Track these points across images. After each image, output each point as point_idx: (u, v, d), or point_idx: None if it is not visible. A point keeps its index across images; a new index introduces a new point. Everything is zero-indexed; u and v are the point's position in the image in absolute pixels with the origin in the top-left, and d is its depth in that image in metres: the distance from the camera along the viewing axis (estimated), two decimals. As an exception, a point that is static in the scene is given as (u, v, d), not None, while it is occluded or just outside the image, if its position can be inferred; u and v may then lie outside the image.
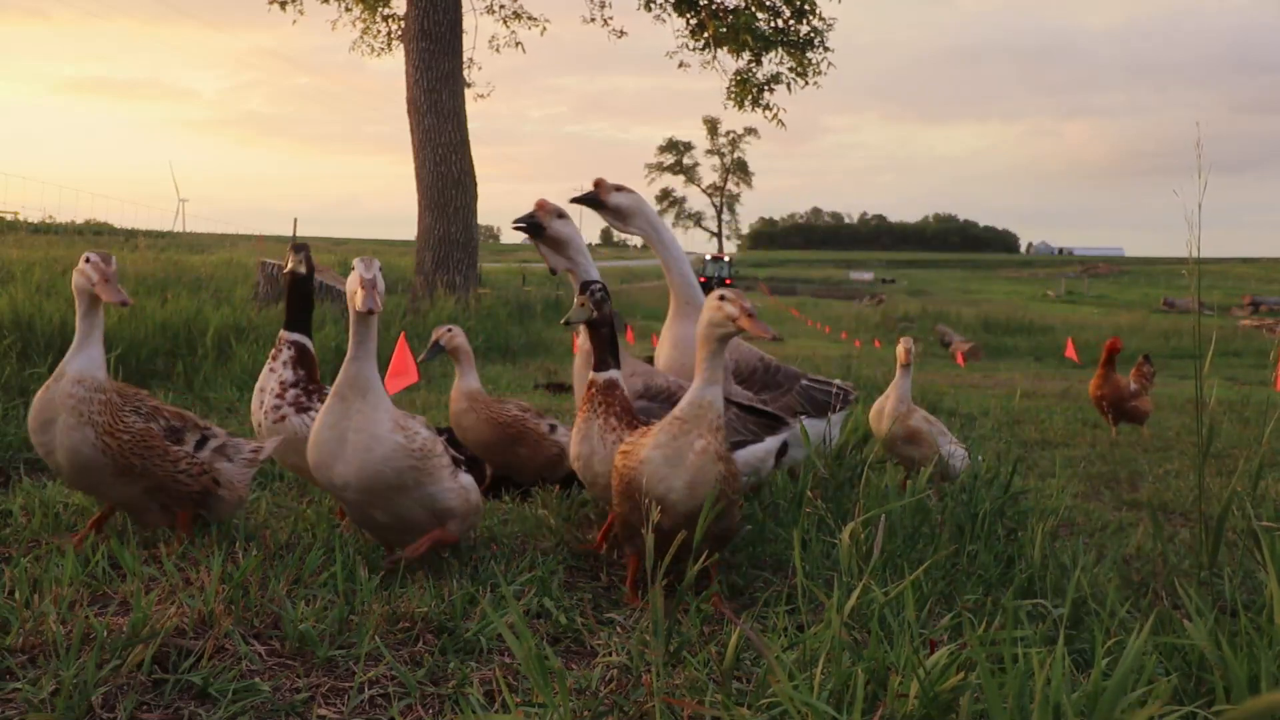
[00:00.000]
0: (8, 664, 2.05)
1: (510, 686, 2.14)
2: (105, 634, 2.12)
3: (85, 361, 2.81)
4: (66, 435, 2.78)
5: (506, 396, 5.29)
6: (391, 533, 2.87)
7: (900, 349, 5.02)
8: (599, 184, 3.76)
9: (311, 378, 3.40)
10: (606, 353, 3.06)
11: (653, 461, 2.62)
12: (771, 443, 3.87)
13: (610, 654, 2.36)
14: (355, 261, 2.70)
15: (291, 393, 3.33)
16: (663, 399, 3.36)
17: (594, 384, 3.06)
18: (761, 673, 2.05)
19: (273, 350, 3.41)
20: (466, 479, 2.94)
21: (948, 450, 4.81)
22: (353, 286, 2.70)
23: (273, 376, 3.38)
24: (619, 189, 3.74)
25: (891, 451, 4.97)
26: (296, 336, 3.43)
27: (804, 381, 4.04)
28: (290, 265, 3.46)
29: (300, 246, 3.50)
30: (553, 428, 4.24)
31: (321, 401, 3.16)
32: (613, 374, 3.06)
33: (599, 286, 3.10)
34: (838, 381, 4.11)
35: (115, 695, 1.98)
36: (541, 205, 3.58)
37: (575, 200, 3.77)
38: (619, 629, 2.57)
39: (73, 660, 1.98)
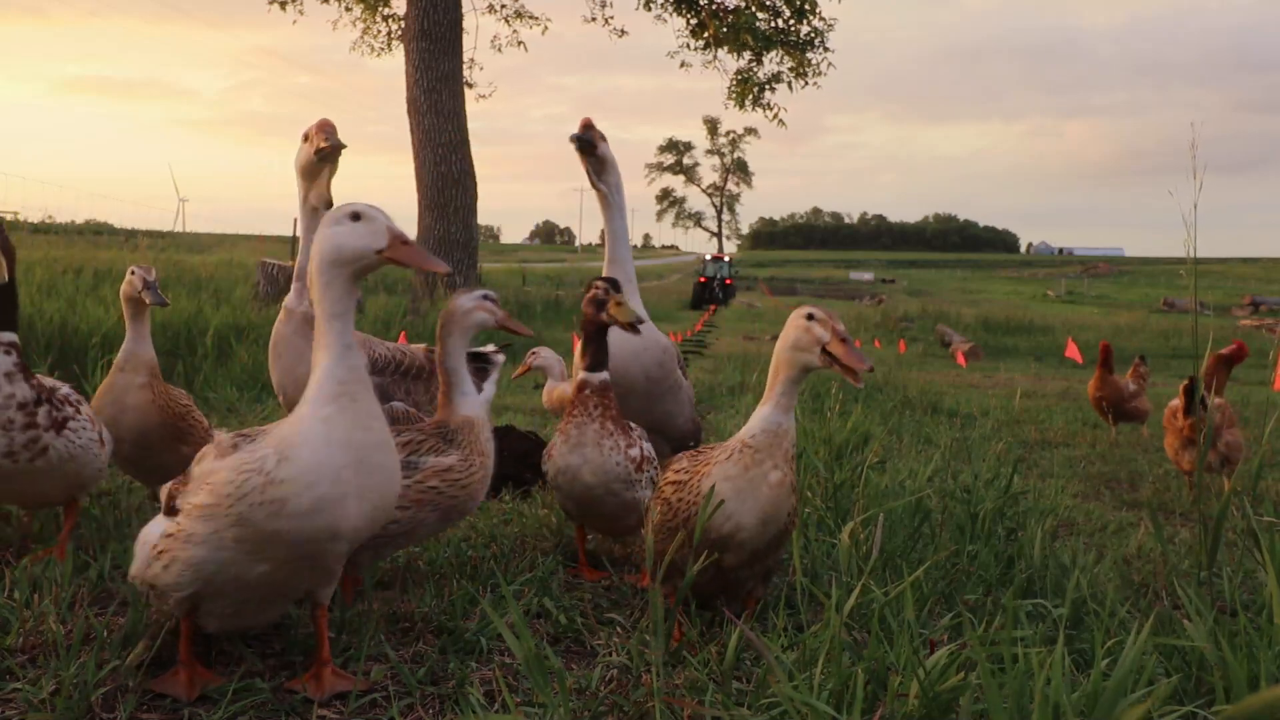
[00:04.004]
0: (8, 664, 2.05)
1: (510, 686, 2.14)
2: (105, 634, 2.12)
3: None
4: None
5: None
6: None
7: None
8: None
9: (41, 384, 2.56)
10: (603, 351, 2.90)
11: (720, 495, 2.30)
12: (492, 386, 3.80)
13: (610, 654, 2.36)
14: None
15: (42, 411, 2.51)
16: (390, 371, 3.15)
17: (586, 385, 2.86)
18: (761, 673, 2.05)
19: None
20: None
21: None
22: None
23: None
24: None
25: None
26: (11, 336, 2.51)
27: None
28: None
29: None
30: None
31: (73, 408, 2.60)
32: (606, 375, 2.88)
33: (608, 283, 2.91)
34: (491, 346, 3.95)
35: (115, 695, 1.98)
36: (588, 124, 3.54)
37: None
38: (619, 629, 2.57)
39: (73, 660, 1.98)
